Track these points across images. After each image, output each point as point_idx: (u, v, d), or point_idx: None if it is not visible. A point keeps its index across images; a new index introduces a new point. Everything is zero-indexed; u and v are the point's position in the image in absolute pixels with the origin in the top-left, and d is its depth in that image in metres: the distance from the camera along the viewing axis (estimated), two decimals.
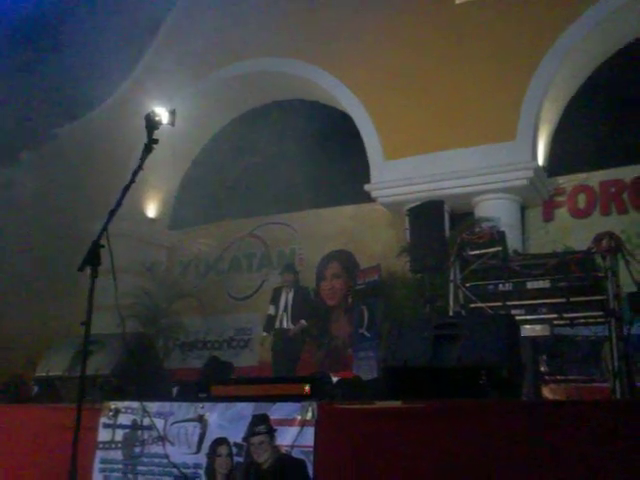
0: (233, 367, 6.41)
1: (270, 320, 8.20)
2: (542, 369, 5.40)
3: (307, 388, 3.39)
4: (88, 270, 2.90)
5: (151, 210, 11.04)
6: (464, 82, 8.25)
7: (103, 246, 2.94)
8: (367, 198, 8.82)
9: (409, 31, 8.79)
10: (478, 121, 8.06)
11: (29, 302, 10.50)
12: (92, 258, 2.88)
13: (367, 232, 9.27)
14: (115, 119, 10.88)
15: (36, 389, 4.69)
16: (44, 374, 4.21)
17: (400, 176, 8.36)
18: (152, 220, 11.01)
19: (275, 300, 8.25)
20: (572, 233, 7.96)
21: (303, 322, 8.04)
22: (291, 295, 8.16)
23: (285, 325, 8.03)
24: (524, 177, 7.86)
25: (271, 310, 8.24)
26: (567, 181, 8.44)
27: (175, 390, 4.30)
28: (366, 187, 8.66)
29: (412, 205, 8.03)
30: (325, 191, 9.59)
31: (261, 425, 3.26)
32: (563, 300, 4.79)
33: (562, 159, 8.42)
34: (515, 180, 7.89)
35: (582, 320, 4.86)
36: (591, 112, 8.10)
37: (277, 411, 3.26)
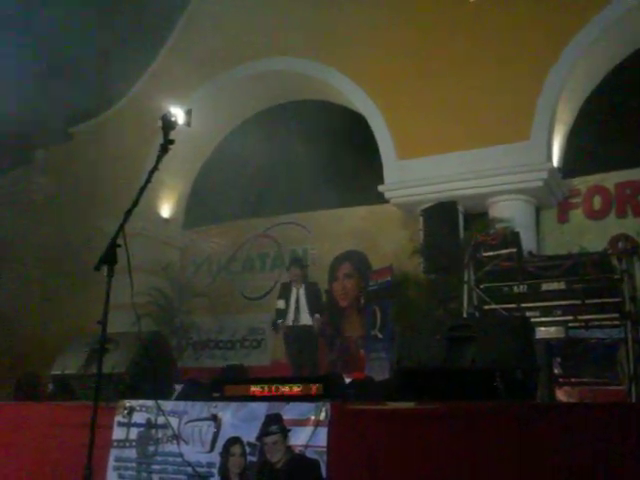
0: (246, 370, 6.39)
1: (280, 314, 8.09)
2: (556, 371, 5.37)
3: (320, 388, 3.40)
4: (104, 269, 2.92)
5: (165, 210, 11.10)
6: (478, 82, 8.22)
7: (120, 245, 2.96)
8: (380, 199, 8.81)
9: (423, 31, 8.77)
10: (492, 121, 8.03)
11: (44, 300, 10.59)
12: (109, 257, 2.90)
13: (380, 233, 9.25)
14: (129, 119, 10.94)
15: (51, 387, 4.72)
16: (60, 372, 4.23)
17: (414, 177, 8.34)
18: (166, 220, 11.06)
19: (285, 295, 8.14)
20: (587, 235, 7.90)
21: (317, 316, 7.97)
22: (302, 290, 8.06)
23: (299, 321, 7.93)
24: (539, 178, 7.82)
25: (280, 304, 8.12)
26: (582, 182, 8.38)
27: (179, 388, 4.26)
28: (380, 188, 8.65)
29: (426, 206, 8.03)
30: (338, 191, 9.58)
31: (274, 425, 3.27)
32: (578, 302, 4.77)
33: (577, 160, 8.36)
34: (530, 181, 7.85)
35: (597, 322, 4.84)
36: (606, 113, 8.05)
37: (290, 411, 3.27)
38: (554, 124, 8.03)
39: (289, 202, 10.23)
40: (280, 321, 8.07)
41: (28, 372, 5.83)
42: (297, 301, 8.01)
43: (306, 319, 7.94)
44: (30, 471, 3.95)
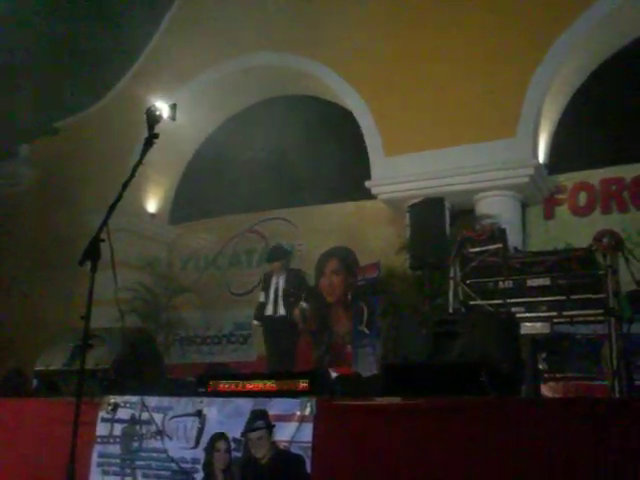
0: (229, 369, 6.28)
1: (260, 307, 7.77)
2: (541, 367, 5.40)
3: (306, 384, 3.39)
4: (88, 264, 2.89)
5: (151, 205, 11.04)
6: (465, 78, 8.23)
7: (103, 240, 2.93)
8: (367, 195, 8.81)
9: (411, 28, 8.77)
10: (479, 118, 8.05)
11: (28, 297, 10.51)
12: (92, 252, 2.87)
13: (367, 229, 9.26)
14: (115, 113, 10.87)
15: (35, 383, 4.68)
16: (43, 368, 4.20)
17: (401, 173, 8.35)
18: (152, 215, 11.00)
19: (265, 286, 7.79)
20: (573, 231, 7.95)
21: (303, 304, 7.51)
22: (282, 279, 7.67)
23: (277, 312, 7.56)
24: (525, 174, 7.85)
25: (261, 297, 7.81)
26: (568, 179, 8.43)
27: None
28: (366, 184, 8.65)
29: (413, 202, 8.02)
30: (325, 187, 9.58)
31: (260, 420, 3.26)
32: (563, 298, 4.79)
33: (563, 157, 8.41)
34: (516, 177, 7.88)
35: (582, 318, 4.86)
36: (593, 110, 8.09)
37: (276, 407, 3.26)
38: (540, 121, 8.06)
39: (277, 198, 10.21)
40: (262, 316, 7.72)
41: (12, 368, 5.79)
42: (276, 291, 7.64)
43: (283, 309, 7.57)
44: (14, 467, 3.92)
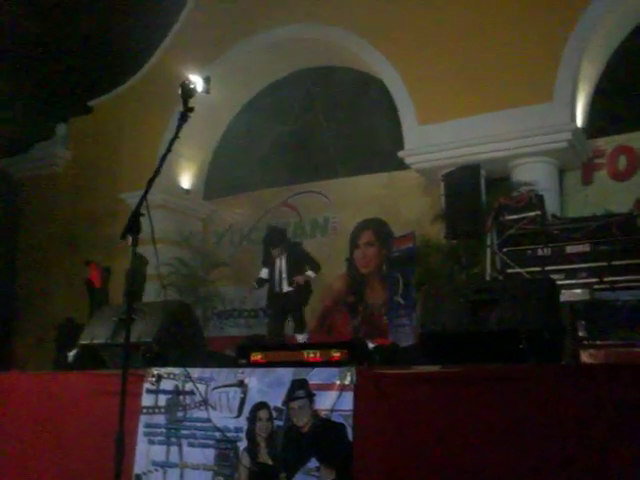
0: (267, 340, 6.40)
1: (260, 283, 7.94)
2: (581, 334, 5.34)
3: (345, 353, 3.42)
4: (129, 239, 2.93)
5: (185, 181, 11.13)
6: (499, 43, 8.05)
7: (143, 215, 2.97)
8: (401, 165, 8.74)
9: None
10: (514, 82, 7.88)
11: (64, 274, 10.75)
12: (133, 227, 2.91)
13: (401, 199, 9.20)
14: (147, 90, 10.93)
15: (73, 354, 4.83)
16: (88, 342, 4.30)
17: (434, 141, 8.24)
18: (187, 191, 11.10)
19: (269, 264, 7.83)
20: (612, 196, 7.77)
21: (310, 274, 7.66)
22: (284, 259, 7.72)
23: (282, 289, 7.69)
24: (562, 139, 7.68)
25: (262, 273, 7.88)
26: (607, 143, 8.22)
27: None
28: (400, 153, 8.57)
29: (447, 170, 7.94)
30: (358, 159, 9.52)
31: (300, 390, 3.30)
32: (604, 264, 4.73)
33: (602, 120, 8.19)
34: (553, 143, 7.72)
35: (623, 284, 4.80)
36: (633, 70, 7.85)
37: (316, 376, 3.30)
38: (578, 83, 7.85)
39: (309, 171, 10.19)
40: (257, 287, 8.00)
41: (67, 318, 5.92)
42: (280, 272, 7.74)
43: (286, 287, 7.69)
44: (63, 438, 4.05)
